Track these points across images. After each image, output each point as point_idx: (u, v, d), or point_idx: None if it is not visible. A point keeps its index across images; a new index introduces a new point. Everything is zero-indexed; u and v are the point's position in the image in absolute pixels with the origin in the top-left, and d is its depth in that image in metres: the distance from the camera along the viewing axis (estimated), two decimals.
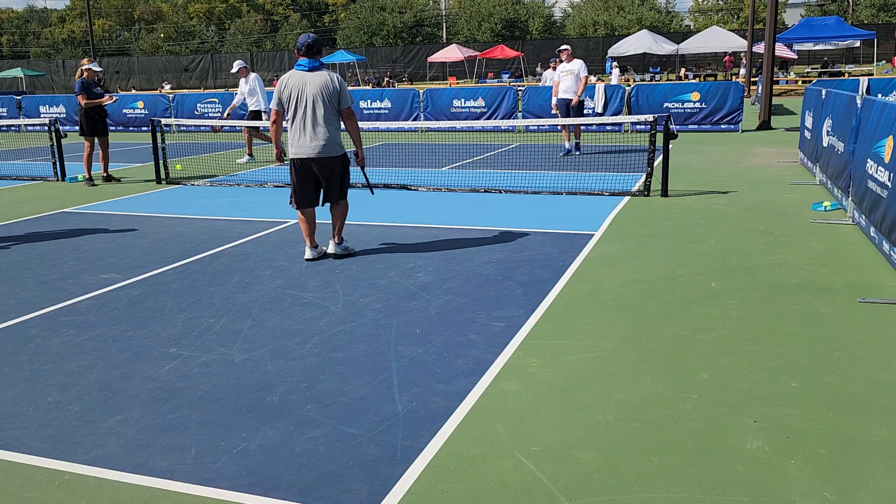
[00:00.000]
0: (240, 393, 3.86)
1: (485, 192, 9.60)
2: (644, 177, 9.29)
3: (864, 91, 7.82)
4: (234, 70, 13.57)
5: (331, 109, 6.12)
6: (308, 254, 6.44)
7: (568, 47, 13.26)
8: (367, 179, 6.91)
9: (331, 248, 6.49)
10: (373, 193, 7.21)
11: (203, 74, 63.76)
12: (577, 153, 13.27)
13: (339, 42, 69.31)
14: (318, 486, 2.98)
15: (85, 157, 11.42)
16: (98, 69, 11.64)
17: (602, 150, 13.82)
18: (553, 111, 13.43)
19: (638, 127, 16.62)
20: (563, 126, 13.05)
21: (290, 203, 6.37)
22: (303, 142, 6.12)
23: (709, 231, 7.12)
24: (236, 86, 27.99)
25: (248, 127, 13.27)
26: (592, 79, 19.52)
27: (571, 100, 12.92)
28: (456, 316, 4.92)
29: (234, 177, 11.75)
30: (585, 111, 17.47)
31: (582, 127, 14.15)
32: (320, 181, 6.30)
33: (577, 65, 12.96)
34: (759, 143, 14.50)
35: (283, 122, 6.36)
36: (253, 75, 13.57)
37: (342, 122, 6.32)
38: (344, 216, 6.51)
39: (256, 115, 13.30)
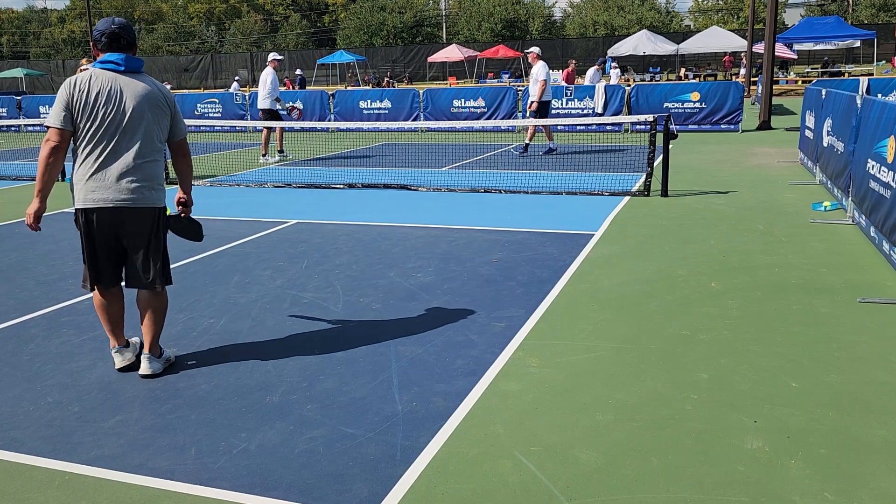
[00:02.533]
0: (240, 393, 3.86)
1: (485, 192, 9.60)
2: (644, 177, 9.29)
3: (864, 91, 7.82)
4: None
5: (156, 137, 3.96)
6: (118, 360, 4.16)
7: (533, 50, 13.37)
8: (187, 229, 4.36)
9: (143, 367, 4.07)
10: (199, 236, 4.42)
11: (203, 75, 63.75)
12: (516, 153, 13.24)
13: (339, 42, 69.31)
14: (318, 486, 2.98)
15: None
16: (85, 67, 11.67)
17: (602, 150, 13.82)
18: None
19: (638, 127, 16.61)
20: (532, 126, 13.23)
21: (83, 284, 4.07)
22: (102, 181, 3.87)
23: (709, 231, 7.12)
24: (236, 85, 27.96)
25: (268, 127, 13.34)
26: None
27: (532, 102, 13.12)
28: (456, 316, 4.92)
29: (234, 177, 11.75)
30: (585, 111, 17.54)
31: (552, 128, 14.30)
32: (123, 247, 4.01)
33: (536, 69, 13.09)
34: (759, 143, 14.50)
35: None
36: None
37: (174, 160, 4.17)
38: (159, 316, 4.13)
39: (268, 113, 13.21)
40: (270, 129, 13.48)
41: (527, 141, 13.43)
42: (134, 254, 3.99)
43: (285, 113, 13.55)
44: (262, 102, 13.08)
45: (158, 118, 3.96)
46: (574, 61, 18.53)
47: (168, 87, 24.66)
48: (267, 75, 12.99)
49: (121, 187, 3.87)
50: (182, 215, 4.26)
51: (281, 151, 13.59)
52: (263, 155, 13.49)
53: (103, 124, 3.85)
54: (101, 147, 3.88)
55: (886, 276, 5.54)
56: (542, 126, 12.84)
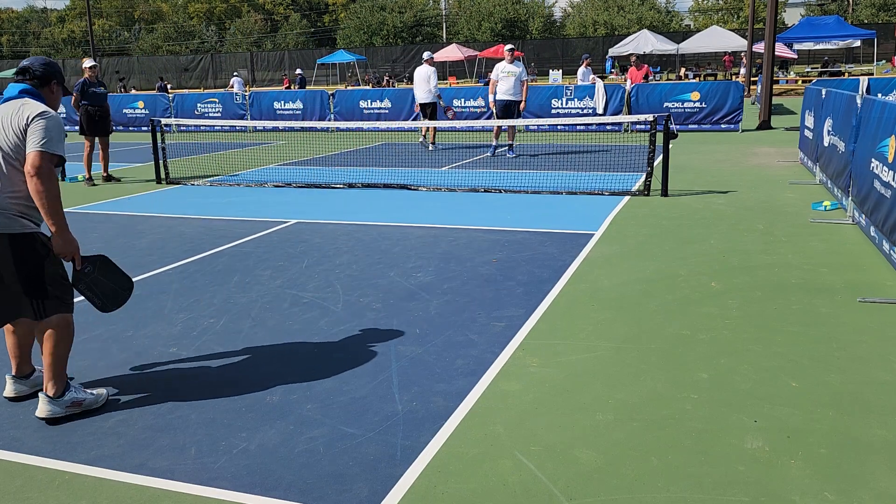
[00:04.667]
0: (240, 393, 3.86)
1: (485, 192, 9.59)
2: (644, 177, 9.29)
3: (864, 91, 7.82)
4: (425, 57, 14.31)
5: (14, 158, 3.50)
6: (9, 388, 3.81)
7: (512, 46, 13.65)
8: (87, 287, 3.75)
9: (40, 408, 3.56)
10: (105, 310, 3.87)
11: (203, 74, 63.77)
12: (511, 154, 13.25)
13: (339, 42, 69.31)
14: (318, 486, 2.99)
15: (85, 156, 11.43)
16: (87, 65, 11.84)
17: (602, 150, 13.81)
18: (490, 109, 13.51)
19: (638, 127, 16.61)
20: (498, 125, 13.11)
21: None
22: None
23: (709, 231, 7.12)
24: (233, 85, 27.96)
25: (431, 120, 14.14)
26: (592, 77, 19.50)
27: (512, 101, 12.99)
28: (456, 316, 4.92)
29: (234, 177, 11.75)
30: (585, 110, 17.54)
31: (515, 128, 14.39)
32: None
33: (519, 68, 13.08)
34: (759, 142, 14.49)
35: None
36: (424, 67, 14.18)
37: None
38: (52, 348, 3.56)
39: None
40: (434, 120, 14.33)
41: (510, 141, 13.39)
42: None
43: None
44: (426, 97, 14.06)
45: (15, 138, 3.51)
46: (635, 56, 19.40)
47: (168, 85, 24.51)
48: (429, 72, 13.97)
49: None
50: (81, 268, 3.68)
51: (434, 143, 14.59)
52: (433, 143, 14.59)
53: None
54: None
55: (886, 276, 5.54)
56: (508, 126, 12.89)
